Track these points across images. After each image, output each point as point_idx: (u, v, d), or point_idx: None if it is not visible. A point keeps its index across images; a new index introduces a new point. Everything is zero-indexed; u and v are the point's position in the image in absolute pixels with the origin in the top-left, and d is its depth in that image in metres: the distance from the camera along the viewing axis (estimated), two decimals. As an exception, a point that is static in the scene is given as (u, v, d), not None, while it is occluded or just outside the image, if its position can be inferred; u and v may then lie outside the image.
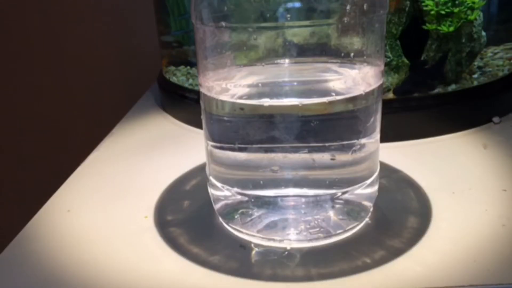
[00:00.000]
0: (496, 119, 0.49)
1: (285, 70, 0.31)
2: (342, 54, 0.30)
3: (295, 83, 0.31)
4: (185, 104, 0.55)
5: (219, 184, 0.33)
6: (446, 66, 0.48)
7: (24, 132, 0.88)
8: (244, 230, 0.32)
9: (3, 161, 0.89)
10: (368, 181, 0.32)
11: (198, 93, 0.34)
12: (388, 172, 0.40)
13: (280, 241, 0.32)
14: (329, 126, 0.30)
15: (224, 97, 0.31)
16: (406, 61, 0.48)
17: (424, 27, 0.48)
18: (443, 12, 0.47)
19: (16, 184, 0.90)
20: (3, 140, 0.88)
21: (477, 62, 0.54)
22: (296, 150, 0.30)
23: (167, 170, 0.43)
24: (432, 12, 0.47)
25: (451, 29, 0.47)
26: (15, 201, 0.88)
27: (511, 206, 0.35)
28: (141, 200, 0.39)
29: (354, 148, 0.31)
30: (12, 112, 0.87)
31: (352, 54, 0.30)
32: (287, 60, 0.30)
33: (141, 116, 0.59)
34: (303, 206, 0.31)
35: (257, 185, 0.31)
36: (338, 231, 0.32)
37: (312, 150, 0.30)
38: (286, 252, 0.31)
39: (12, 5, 0.81)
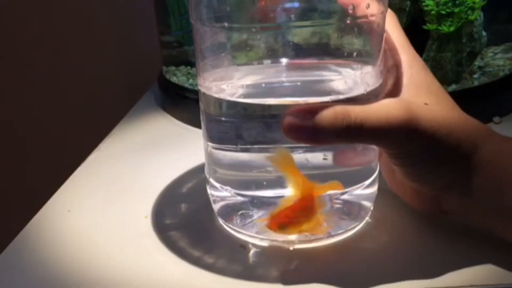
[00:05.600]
0: (496, 119, 0.49)
1: (285, 70, 0.31)
2: (343, 54, 0.30)
3: (295, 83, 0.31)
4: (185, 104, 0.55)
5: (218, 185, 0.33)
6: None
7: (24, 132, 0.88)
8: (244, 231, 0.32)
9: (3, 161, 0.89)
10: (368, 181, 0.32)
11: (198, 93, 0.34)
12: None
13: (280, 241, 0.32)
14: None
15: (224, 97, 0.31)
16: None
17: (425, 27, 0.48)
18: (443, 12, 0.47)
19: (16, 184, 0.90)
20: (3, 140, 0.88)
21: (477, 62, 0.54)
22: (295, 150, 0.30)
23: (167, 170, 0.43)
24: (433, 12, 0.47)
25: (452, 29, 0.47)
26: (16, 201, 0.88)
27: (511, 207, 0.35)
28: (141, 200, 0.39)
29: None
30: (12, 112, 0.87)
31: (352, 54, 0.30)
32: (287, 60, 0.30)
33: (141, 116, 0.59)
34: (303, 206, 0.31)
35: (256, 186, 0.31)
36: (338, 231, 0.32)
37: (312, 150, 0.30)
38: (286, 253, 0.31)
39: (12, 5, 0.81)
